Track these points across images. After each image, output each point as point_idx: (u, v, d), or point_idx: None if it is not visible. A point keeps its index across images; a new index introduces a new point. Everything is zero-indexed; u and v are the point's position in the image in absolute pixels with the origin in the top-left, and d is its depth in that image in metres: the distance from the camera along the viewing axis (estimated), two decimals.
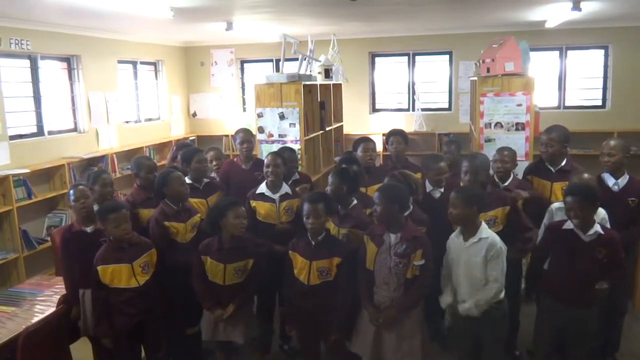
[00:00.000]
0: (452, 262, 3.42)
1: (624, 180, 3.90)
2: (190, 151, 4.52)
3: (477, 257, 3.27)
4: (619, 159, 3.88)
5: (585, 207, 3.25)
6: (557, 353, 3.59)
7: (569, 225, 3.37)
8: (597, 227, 3.31)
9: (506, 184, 4.21)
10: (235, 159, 5.11)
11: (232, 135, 8.98)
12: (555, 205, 3.86)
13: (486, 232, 3.32)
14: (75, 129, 7.13)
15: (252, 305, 3.88)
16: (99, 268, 3.51)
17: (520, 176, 4.61)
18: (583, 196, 3.27)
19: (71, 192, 3.81)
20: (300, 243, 3.59)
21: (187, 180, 4.35)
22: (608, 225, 3.56)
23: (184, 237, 3.93)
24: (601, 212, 3.58)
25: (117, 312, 3.57)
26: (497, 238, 3.31)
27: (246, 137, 4.91)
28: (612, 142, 3.95)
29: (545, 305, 3.55)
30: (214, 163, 4.97)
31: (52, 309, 3.74)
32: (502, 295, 3.33)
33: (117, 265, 3.52)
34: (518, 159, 4.53)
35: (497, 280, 3.25)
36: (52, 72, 6.84)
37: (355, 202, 3.91)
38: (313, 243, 3.51)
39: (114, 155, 7.32)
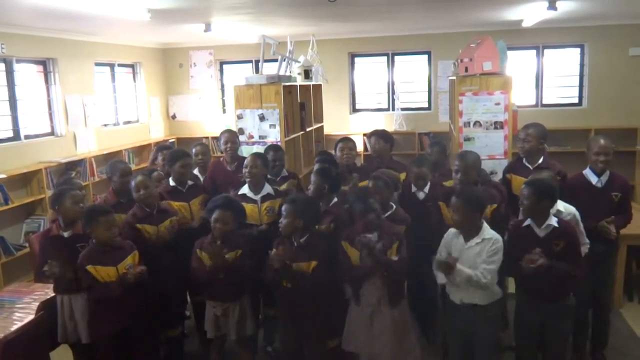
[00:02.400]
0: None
1: (605, 176, 3.94)
2: (179, 154, 4.44)
3: (480, 258, 3.24)
4: (611, 158, 3.92)
5: (536, 197, 3.28)
6: (539, 350, 3.61)
7: (528, 221, 3.41)
8: (551, 221, 3.32)
9: None
10: (221, 159, 5.10)
11: (212, 138, 8.97)
12: None
13: (488, 232, 3.28)
14: (52, 133, 7.04)
15: (246, 302, 3.82)
16: (89, 268, 3.46)
17: (500, 174, 4.66)
18: (536, 187, 3.32)
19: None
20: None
21: (171, 182, 4.36)
22: (581, 223, 3.62)
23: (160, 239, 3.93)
24: (570, 209, 3.64)
25: (101, 320, 3.54)
26: (498, 236, 3.28)
27: (230, 137, 4.92)
28: (604, 142, 3.90)
29: (520, 301, 3.58)
30: (199, 157, 4.94)
31: (32, 316, 3.68)
32: (500, 294, 3.37)
33: (103, 267, 3.48)
34: (497, 157, 4.55)
35: (494, 270, 3.23)
36: (28, 75, 6.73)
37: (335, 199, 3.97)
38: (295, 244, 3.52)
39: (93, 159, 7.23)
